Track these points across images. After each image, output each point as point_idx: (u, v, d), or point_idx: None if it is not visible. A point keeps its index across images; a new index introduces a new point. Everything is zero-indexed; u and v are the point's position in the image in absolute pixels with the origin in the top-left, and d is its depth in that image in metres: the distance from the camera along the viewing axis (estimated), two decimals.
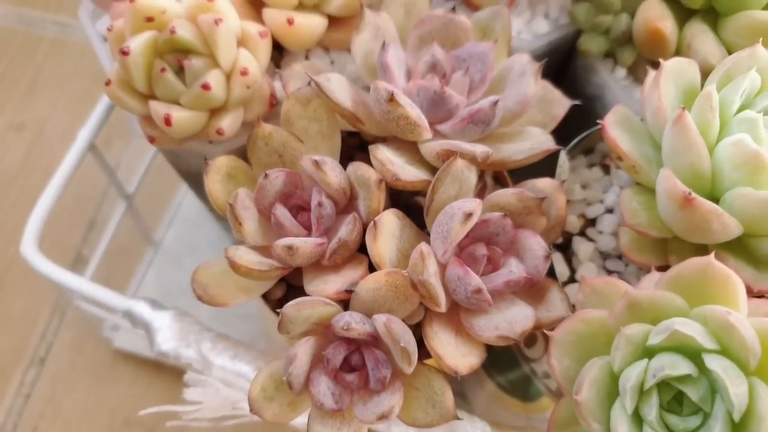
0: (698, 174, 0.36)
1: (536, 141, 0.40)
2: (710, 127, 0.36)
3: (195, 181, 0.58)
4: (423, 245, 0.35)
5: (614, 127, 0.39)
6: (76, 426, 0.65)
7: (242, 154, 0.41)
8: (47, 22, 0.89)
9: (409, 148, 0.40)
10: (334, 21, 0.45)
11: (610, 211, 0.46)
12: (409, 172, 0.37)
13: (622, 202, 0.39)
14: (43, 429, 0.65)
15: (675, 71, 0.39)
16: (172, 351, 0.45)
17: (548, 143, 0.40)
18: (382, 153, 0.37)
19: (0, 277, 0.72)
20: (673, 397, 0.31)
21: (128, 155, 0.77)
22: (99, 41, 0.49)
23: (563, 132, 0.46)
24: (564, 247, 0.44)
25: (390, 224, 0.36)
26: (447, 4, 0.52)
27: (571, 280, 0.44)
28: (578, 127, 0.52)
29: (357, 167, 0.38)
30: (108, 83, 0.40)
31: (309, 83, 0.40)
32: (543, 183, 0.39)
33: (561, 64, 0.56)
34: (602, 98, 0.53)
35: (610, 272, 0.44)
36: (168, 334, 0.45)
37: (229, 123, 0.41)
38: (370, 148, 0.38)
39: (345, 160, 0.43)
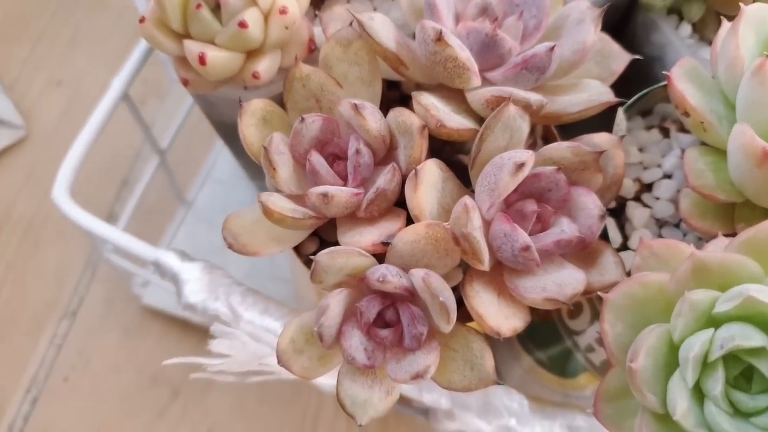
0: None
1: (594, 92, 0.37)
2: None
3: (229, 133, 0.56)
4: (467, 198, 0.33)
5: (681, 79, 0.36)
6: (105, 380, 0.64)
7: (278, 101, 0.39)
8: None
9: (456, 96, 0.37)
10: None
11: (668, 176, 0.42)
12: (455, 120, 0.35)
13: (687, 162, 0.36)
14: (73, 380, 0.64)
15: (756, 17, 0.35)
16: (199, 303, 0.43)
17: (607, 95, 0.37)
18: (426, 98, 0.35)
19: (36, 231, 0.72)
20: (740, 372, 0.28)
21: (163, 113, 0.76)
22: None
23: (619, 92, 0.42)
24: (617, 212, 0.41)
25: (432, 174, 0.34)
26: None
27: (624, 247, 0.40)
28: (634, 90, 0.48)
29: (398, 113, 0.35)
30: (142, 20, 0.38)
31: (350, 23, 0.37)
32: (600, 138, 0.36)
33: (618, 21, 0.53)
34: (663, 58, 0.49)
35: None
36: (196, 287, 0.44)
37: (265, 66, 0.39)
38: (414, 94, 0.36)
39: (384, 111, 0.41)
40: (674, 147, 0.43)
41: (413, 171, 0.33)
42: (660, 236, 0.41)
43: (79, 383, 0.64)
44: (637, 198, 0.42)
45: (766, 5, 0.35)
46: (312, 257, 0.33)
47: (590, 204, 0.34)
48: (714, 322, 0.29)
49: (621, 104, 0.38)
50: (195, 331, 0.64)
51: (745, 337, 0.27)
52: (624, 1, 0.50)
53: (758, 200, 0.33)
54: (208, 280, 0.44)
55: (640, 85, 0.53)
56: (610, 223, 0.41)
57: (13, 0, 0.86)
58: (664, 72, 0.36)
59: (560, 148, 0.35)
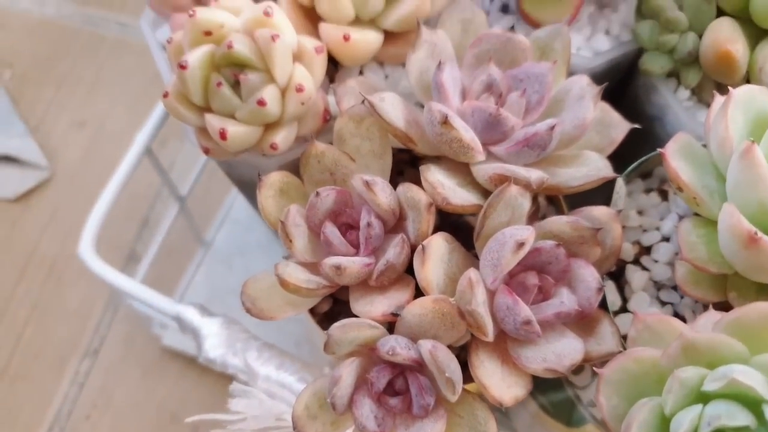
0: (766, 211, 0.34)
1: (593, 167, 0.39)
2: None
3: (247, 188, 0.58)
4: (472, 272, 0.35)
5: (675, 156, 0.38)
6: (126, 418, 0.67)
7: (295, 166, 0.41)
8: (110, 22, 0.92)
9: (461, 169, 0.39)
10: (389, 36, 0.45)
11: (666, 239, 0.44)
12: (460, 196, 0.37)
13: (681, 235, 0.37)
14: (95, 418, 0.67)
15: (744, 99, 0.37)
16: (219, 358, 0.46)
17: (605, 170, 0.39)
18: (433, 175, 0.37)
19: (59, 271, 0.74)
20: None
21: (183, 155, 0.79)
22: (158, 50, 0.50)
23: (621, 151, 0.44)
24: (616, 275, 0.43)
25: (438, 249, 0.36)
26: (505, 19, 0.51)
27: (623, 309, 0.42)
28: (637, 148, 0.50)
29: (407, 189, 0.37)
30: (165, 95, 0.41)
31: (363, 101, 0.40)
32: (599, 211, 0.38)
33: (621, 81, 0.55)
34: (663, 119, 0.51)
35: (663, 303, 0.42)
36: (215, 342, 0.46)
37: (282, 138, 0.42)
38: (421, 169, 0.38)
39: (395, 175, 0.43)
40: (672, 210, 0.45)
41: (421, 247, 0.35)
42: (658, 298, 0.42)
43: (100, 421, 0.66)
44: (636, 261, 0.44)
45: (754, 87, 0.37)
46: (325, 317, 0.35)
47: (589, 277, 0.36)
48: (703, 398, 0.30)
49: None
50: (213, 372, 0.66)
51: (731, 416, 0.29)
52: (627, 62, 0.52)
53: (748, 275, 0.35)
54: (226, 335, 0.46)
55: (643, 143, 0.55)
56: (610, 287, 0.42)
57: (39, 43, 0.90)
58: (658, 150, 0.38)
59: (560, 222, 0.37)
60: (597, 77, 0.51)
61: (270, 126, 0.42)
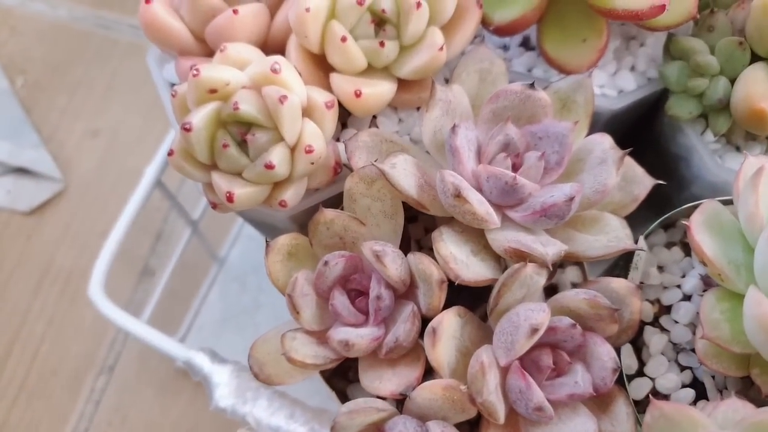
0: None
1: (613, 236, 0.38)
2: None
3: (258, 226, 0.58)
4: (484, 353, 0.34)
5: (700, 229, 0.36)
6: None
7: (306, 215, 0.41)
8: (123, 25, 0.90)
9: (476, 233, 0.38)
10: (403, 83, 0.43)
11: (688, 297, 0.42)
12: (473, 270, 0.36)
13: (703, 311, 0.36)
14: None
15: None
16: (229, 408, 0.45)
17: (625, 241, 0.37)
18: (445, 247, 0.36)
19: (74, 285, 0.75)
20: None
21: None
22: (165, 88, 0.49)
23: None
24: (634, 337, 0.42)
25: (450, 327, 0.35)
26: (525, 56, 0.49)
27: (640, 373, 0.41)
28: (661, 186, 0.49)
29: (418, 260, 0.36)
30: (171, 153, 0.40)
31: (374, 161, 0.38)
32: (618, 284, 0.37)
33: (646, 116, 0.52)
34: (689, 160, 0.49)
35: (683, 368, 0.41)
36: (226, 391, 0.46)
37: (291, 195, 0.40)
38: (433, 237, 0.37)
39: (407, 233, 0.42)
40: (695, 266, 0.43)
41: (431, 329, 0.34)
42: (677, 362, 0.41)
43: None
44: (655, 321, 0.42)
45: None
46: (334, 374, 0.34)
47: (605, 355, 0.35)
48: None
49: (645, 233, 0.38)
50: None
51: None
52: (652, 99, 0.50)
53: None
54: (236, 384, 0.46)
55: (667, 179, 0.53)
56: (626, 350, 0.41)
57: (51, 47, 0.89)
58: (683, 221, 0.36)
59: (576, 299, 0.35)
60: (621, 116, 0.49)
61: (279, 184, 0.40)
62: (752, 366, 0.36)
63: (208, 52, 0.44)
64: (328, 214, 0.37)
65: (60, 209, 0.79)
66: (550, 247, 0.35)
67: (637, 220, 0.43)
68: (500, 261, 0.37)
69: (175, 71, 0.45)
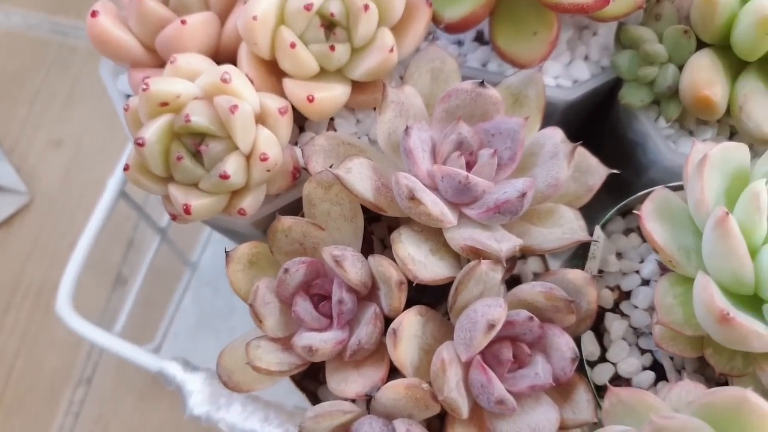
0: (740, 281, 0.34)
1: (568, 228, 0.38)
2: (756, 229, 0.34)
3: (223, 232, 0.58)
4: (445, 352, 0.35)
5: (651, 217, 0.37)
6: None
7: (268, 221, 0.41)
8: (81, 31, 0.89)
9: (434, 232, 0.38)
10: (358, 85, 0.43)
11: (646, 282, 0.43)
12: (431, 270, 0.36)
13: (657, 297, 0.37)
14: None
15: (721, 158, 0.36)
16: (204, 415, 0.46)
17: (579, 233, 0.38)
18: (403, 248, 0.36)
19: (46, 298, 0.74)
20: None
21: None
22: (120, 99, 0.48)
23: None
24: (595, 322, 0.43)
25: (411, 327, 0.36)
26: (480, 50, 0.49)
27: (602, 359, 0.42)
28: (619, 166, 0.49)
29: (378, 263, 0.36)
30: (126, 168, 0.40)
31: (330, 166, 0.38)
32: (574, 275, 0.38)
33: (602, 104, 0.53)
34: (644, 146, 0.50)
35: (643, 351, 0.42)
36: (199, 398, 0.46)
37: (250, 203, 0.41)
38: (392, 239, 0.37)
39: (369, 233, 0.42)
40: (652, 251, 0.44)
41: (392, 330, 0.35)
42: (637, 346, 0.42)
43: None
44: (615, 307, 0.43)
45: (730, 145, 0.36)
46: (304, 376, 0.35)
47: (564, 346, 0.36)
48: None
49: (599, 226, 0.39)
50: None
51: None
52: (607, 87, 0.50)
53: (722, 344, 0.34)
54: (209, 391, 0.46)
55: (624, 165, 0.54)
56: (588, 337, 0.42)
57: (5, 58, 0.87)
58: (634, 211, 0.37)
59: (533, 292, 0.36)
60: (576, 106, 0.50)
61: (236, 192, 0.41)
62: (705, 346, 0.37)
63: (160, 63, 0.44)
64: (286, 221, 0.38)
65: (27, 222, 0.78)
66: (504, 243, 0.36)
67: (598, 206, 0.43)
68: (459, 259, 0.38)
69: (129, 83, 0.44)
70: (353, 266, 0.36)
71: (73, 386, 0.70)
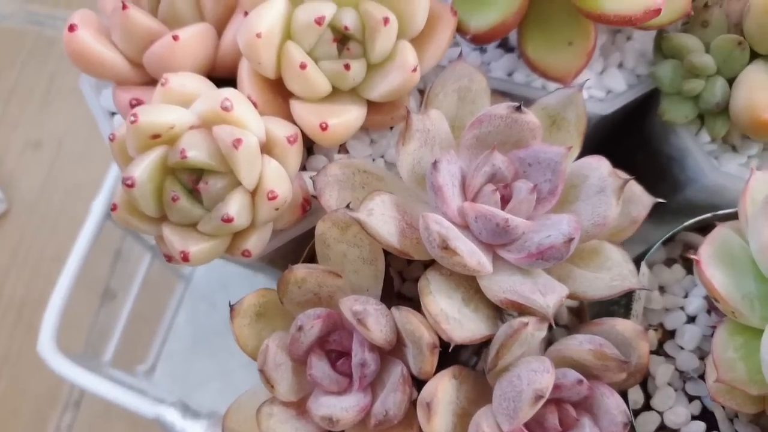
0: None
1: (616, 273, 0.34)
2: None
3: None
4: (485, 423, 0.30)
5: (711, 263, 0.33)
6: None
7: (276, 252, 0.36)
8: (58, 20, 0.82)
9: (466, 277, 0.34)
10: (374, 104, 0.39)
11: (692, 319, 0.40)
12: (467, 328, 0.32)
13: (716, 351, 0.33)
14: None
15: None
16: None
17: (630, 279, 0.34)
18: (434, 303, 0.32)
19: (29, 313, 0.69)
20: None
21: None
22: (104, 116, 0.43)
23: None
24: None
25: (446, 395, 0.31)
26: (504, 58, 0.44)
27: (646, 407, 0.38)
28: (653, 185, 0.45)
29: (406, 319, 0.32)
30: (114, 208, 0.35)
31: (347, 205, 0.34)
32: (623, 326, 0.34)
33: (636, 114, 0.49)
34: (682, 162, 0.46)
35: (691, 398, 0.38)
36: None
37: (255, 243, 0.36)
38: (420, 289, 0.33)
39: (389, 278, 0.38)
40: (697, 283, 0.40)
41: (424, 402, 0.30)
42: (684, 392, 0.38)
43: None
44: (659, 348, 0.39)
45: None
46: None
47: (614, 408, 0.32)
48: None
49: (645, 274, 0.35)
50: None
51: None
52: (643, 98, 0.46)
53: None
54: None
55: (659, 181, 0.50)
56: None
57: None
58: (691, 256, 0.33)
59: (581, 350, 0.32)
60: (609, 118, 0.46)
61: (240, 232, 0.36)
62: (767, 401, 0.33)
63: (149, 79, 0.39)
64: (299, 272, 0.33)
65: (5, 232, 0.73)
66: (550, 296, 0.32)
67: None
68: (496, 308, 0.34)
69: (114, 103, 0.39)
70: (377, 323, 0.32)
71: (60, 410, 0.66)
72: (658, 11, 0.35)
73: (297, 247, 0.40)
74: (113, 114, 0.43)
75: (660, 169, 0.48)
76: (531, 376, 0.30)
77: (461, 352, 0.36)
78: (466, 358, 0.36)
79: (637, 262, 0.40)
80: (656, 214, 0.43)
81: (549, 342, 0.35)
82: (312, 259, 0.41)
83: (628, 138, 0.50)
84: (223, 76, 0.40)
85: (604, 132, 0.48)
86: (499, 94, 0.42)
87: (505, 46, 0.45)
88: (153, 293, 0.68)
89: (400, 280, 0.41)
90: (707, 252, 0.33)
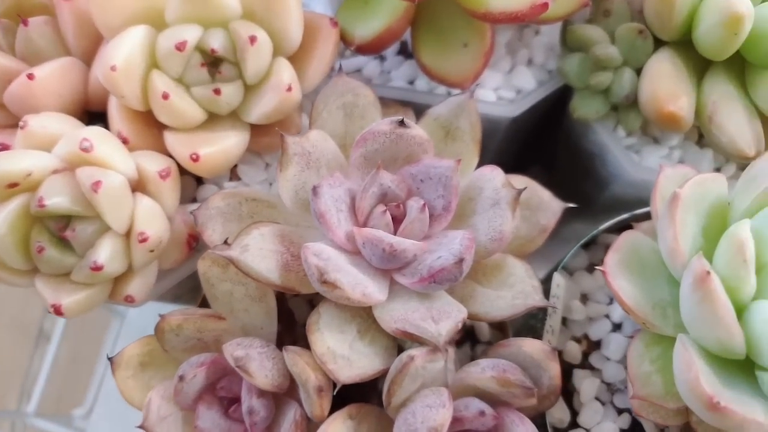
0: (728, 348, 0.28)
1: (519, 290, 0.32)
2: (742, 285, 0.28)
3: None
4: None
5: (617, 272, 0.31)
6: None
7: (182, 289, 0.34)
8: None
9: (364, 308, 0.32)
10: (258, 126, 0.36)
11: (618, 326, 0.38)
12: (357, 366, 0.29)
13: (631, 365, 0.31)
14: None
15: (696, 196, 0.30)
16: None
17: (533, 296, 0.31)
18: (321, 342, 0.29)
19: None
20: None
21: None
22: None
23: (560, 184, 0.37)
24: (562, 381, 0.37)
25: None
26: (404, 66, 0.42)
27: (573, 424, 0.36)
28: (576, 182, 0.43)
29: (293, 361, 0.30)
30: None
31: (226, 240, 0.31)
32: (531, 347, 0.31)
33: (551, 112, 0.46)
34: (603, 158, 0.44)
35: (620, 411, 0.36)
36: None
37: (138, 288, 0.34)
38: (309, 326, 0.30)
39: (284, 304, 0.36)
40: None
41: None
42: (612, 404, 0.36)
43: None
44: (584, 360, 0.37)
45: (705, 178, 0.30)
46: None
47: None
48: None
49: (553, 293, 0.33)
50: None
51: None
52: (556, 95, 0.44)
53: (713, 425, 0.29)
54: None
55: (580, 181, 0.48)
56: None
57: None
58: (597, 267, 0.31)
59: (483, 377, 0.30)
60: (522, 120, 0.43)
61: (120, 278, 0.33)
62: (691, 414, 0.31)
63: (14, 121, 0.36)
64: (173, 319, 0.30)
65: None
66: (443, 323, 0.29)
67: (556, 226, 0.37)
68: (393, 341, 0.32)
69: None
70: (261, 368, 0.30)
71: None
72: (545, 6, 0.33)
73: (193, 284, 0.38)
74: None
75: (583, 166, 0.46)
76: (425, 412, 0.28)
77: (366, 386, 0.34)
78: (370, 392, 0.33)
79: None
80: (586, 213, 0.41)
81: (472, 359, 0.33)
82: None
83: (547, 136, 0.48)
84: (100, 110, 0.37)
85: (519, 135, 0.46)
86: (400, 104, 0.40)
87: (405, 53, 0.43)
88: (87, 331, 0.65)
89: (309, 308, 0.39)
90: (613, 260, 0.31)
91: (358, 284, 0.29)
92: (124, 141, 0.33)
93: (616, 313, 0.38)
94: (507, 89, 0.42)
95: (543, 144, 0.48)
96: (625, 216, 0.38)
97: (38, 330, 0.68)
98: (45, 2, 0.36)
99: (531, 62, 0.43)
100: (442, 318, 0.30)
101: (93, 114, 0.37)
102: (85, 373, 0.64)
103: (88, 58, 0.36)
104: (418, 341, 0.29)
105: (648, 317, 0.30)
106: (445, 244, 0.31)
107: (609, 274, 0.30)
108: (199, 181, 0.39)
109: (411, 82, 0.42)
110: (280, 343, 0.34)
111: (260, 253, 0.30)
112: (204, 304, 0.37)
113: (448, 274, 0.30)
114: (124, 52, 0.32)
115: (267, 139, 0.37)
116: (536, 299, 0.31)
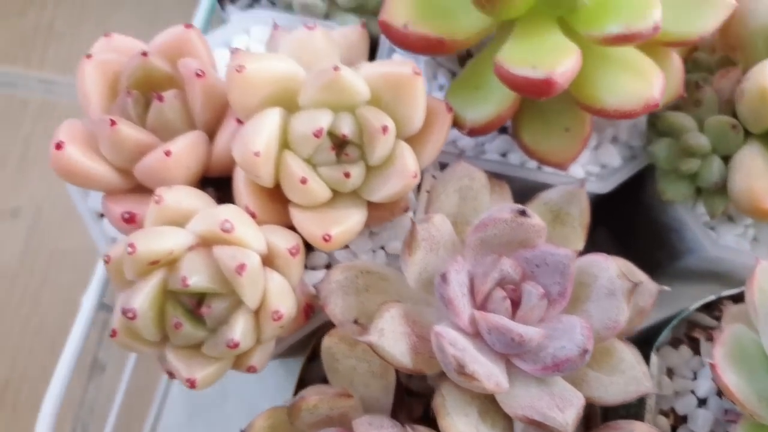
0: None
1: (630, 376, 0.34)
2: None
3: None
4: None
5: (726, 366, 0.33)
6: None
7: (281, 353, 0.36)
8: (31, 80, 0.80)
9: (484, 397, 0.33)
10: (374, 203, 0.38)
11: (703, 402, 0.40)
12: None
13: None
14: None
15: None
16: None
17: (644, 383, 0.33)
18: (452, 425, 0.31)
19: (11, 399, 0.67)
20: None
21: None
22: (92, 218, 0.42)
23: (635, 252, 0.39)
24: None
25: None
26: (498, 140, 0.44)
27: None
28: (651, 251, 0.45)
29: None
30: (113, 334, 0.33)
31: (355, 321, 0.33)
32: (641, 430, 0.33)
33: (633, 187, 0.48)
34: (681, 233, 0.46)
35: None
36: None
37: (260, 359, 0.35)
38: (436, 408, 0.32)
39: (398, 381, 0.37)
40: (705, 364, 0.40)
41: None
42: None
43: None
44: None
45: None
46: None
47: None
48: None
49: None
50: None
51: None
52: (639, 164, 0.45)
53: None
54: None
55: (653, 248, 0.49)
56: None
57: None
58: (706, 360, 0.33)
59: None
60: (607, 196, 0.45)
61: (245, 351, 0.35)
62: None
63: (138, 187, 0.37)
64: (311, 400, 0.32)
65: None
66: (569, 411, 0.31)
67: None
68: (512, 421, 0.33)
69: (106, 214, 0.38)
70: None
71: None
72: (657, 105, 0.35)
73: (302, 344, 0.40)
74: (101, 215, 0.42)
75: (659, 237, 0.48)
76: None
77: None
78: None
79: (645, 341, 0.40)
80: (654, 277, 0.43)
81: None
82: (315, 353, 0.40)
83: (625, 207, 0.50)
84: (216, 176, 0.38)
85: (601, 205, 0.48)
86: (493, 176, 0.42)
87: (500, 128, 0.44)
88: (144, 363, 0.66)
89: (417, 379, 0.40)
90: (720, 354, 0.33)
91: (492, 375, 0.31)
92: (252, 215, 0.35)
93: (701, 389, 0.40)
94: (593, 164, 0.44)
95: (622, 214, 0.50)
96: (712, 298, 0.40)
97: (92, 360, 0.69)
98: (171, 74, 0.37)
99: (616, 139, 0.45)
100: (566, 406, 0.32)
101: (209, 180, 0.39)
102: (141, 408, 0.65)
103: (210, 129, 0.38)
104: (544, 429, 0.31)
105: (755, 409, 0.32)
106: (563, 330, 0.33)
107: (719, 368, 0.32)
108: (309, 247, 0.40)
109: (503, 155, 0.44)
110: (394, 414, 0.35)
111: (393, 336, 0.32)
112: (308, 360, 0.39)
113: (572, 364, 0.32)
114: (264, 138, 0.33)
115: (378, 213, 0.38)
116: (647, 386, 0.33)
